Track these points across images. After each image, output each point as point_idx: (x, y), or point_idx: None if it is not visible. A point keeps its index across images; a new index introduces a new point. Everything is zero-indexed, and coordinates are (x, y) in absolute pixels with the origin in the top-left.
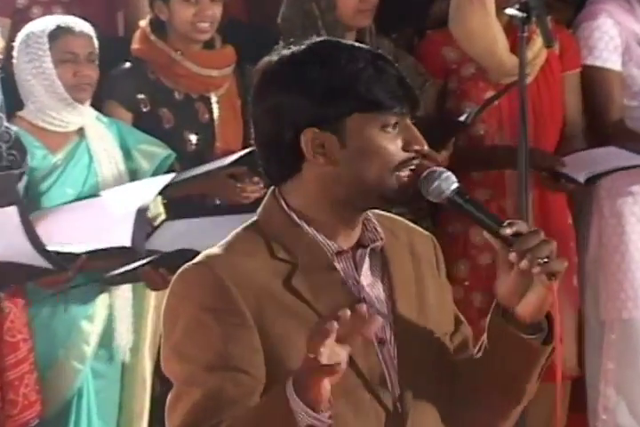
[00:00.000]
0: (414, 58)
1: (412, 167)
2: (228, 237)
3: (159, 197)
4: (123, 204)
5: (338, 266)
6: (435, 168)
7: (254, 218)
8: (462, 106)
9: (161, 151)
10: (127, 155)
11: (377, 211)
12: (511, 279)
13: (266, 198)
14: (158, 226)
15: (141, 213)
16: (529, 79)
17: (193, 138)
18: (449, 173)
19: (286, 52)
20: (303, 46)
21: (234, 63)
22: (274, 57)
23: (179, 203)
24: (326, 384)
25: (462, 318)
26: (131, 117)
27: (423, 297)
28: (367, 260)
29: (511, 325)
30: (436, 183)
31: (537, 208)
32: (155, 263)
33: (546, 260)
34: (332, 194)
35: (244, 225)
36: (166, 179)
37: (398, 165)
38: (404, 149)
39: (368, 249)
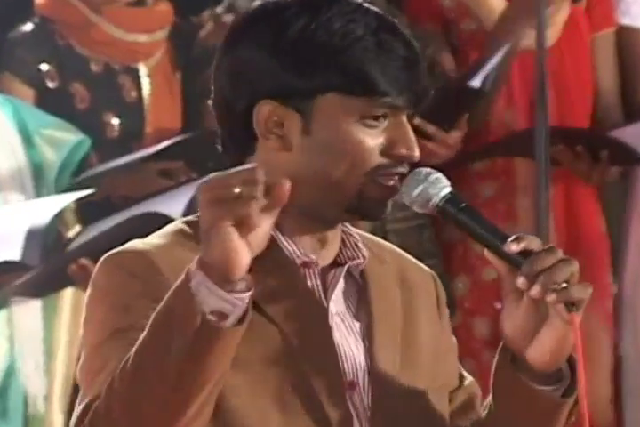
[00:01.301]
0: (408, 13)
1: (394, 176)
2: (163, 229)
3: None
4: (14, 222)
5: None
6: (420, 169)
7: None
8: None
9: (71, 137)
10: (28, 142)
11: (361, 232)
12: (521, 313)
13: None
14: (79, 234)
15: (36, 226)
16: (549, 42)
17: (115, 121)
18: (438, 175)
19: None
20: None
21: (169, 24)
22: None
23: (96, 208)
24: (236, 237)
25: (467, 374)
26: (32, 95)
27: (412, 337)
28: (342, 282)
29: (523, 373)
30: (420, 188)
31: (561, 211)
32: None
33: (565, 285)
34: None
35: (181, 220)
36: (70, 198)
37: (373, 170)
38: (386, 152)
39: (345, 268)
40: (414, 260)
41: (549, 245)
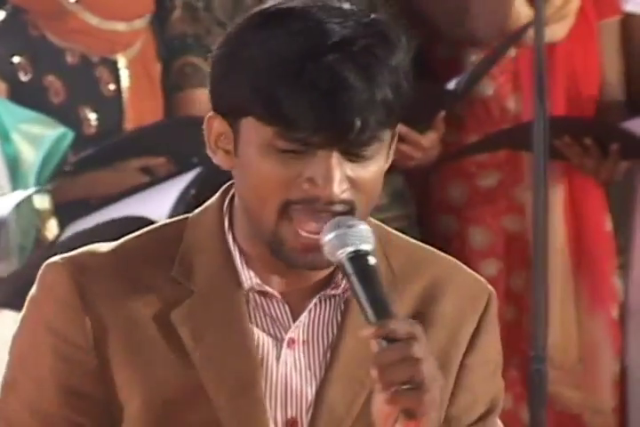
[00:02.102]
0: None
1: (308, 217)
2: (139, 232)
3: (46, 202)
4: None
5: (251, 310)
6: (348, 217)
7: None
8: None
9: (51, 131)
10: (4, 137)
11: (414, 248)
12: (381, 399)
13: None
14: (60, 235)
15: None
16: (563, 31)
17: (92, 116)
18: (361, 228)
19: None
20: (286, 5)
21: (150, 12)
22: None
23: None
24: None
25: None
26: (5, 89)
27: None
28: (314, 310)
29: None
30: (333, 235)
31: (568, 208)
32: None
33: (405, 387)
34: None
35: (168, 220)
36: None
37: (284, 206)
38: (299, 188)
39: (315, 298)
40: (468, 277)
41: (407, 336)
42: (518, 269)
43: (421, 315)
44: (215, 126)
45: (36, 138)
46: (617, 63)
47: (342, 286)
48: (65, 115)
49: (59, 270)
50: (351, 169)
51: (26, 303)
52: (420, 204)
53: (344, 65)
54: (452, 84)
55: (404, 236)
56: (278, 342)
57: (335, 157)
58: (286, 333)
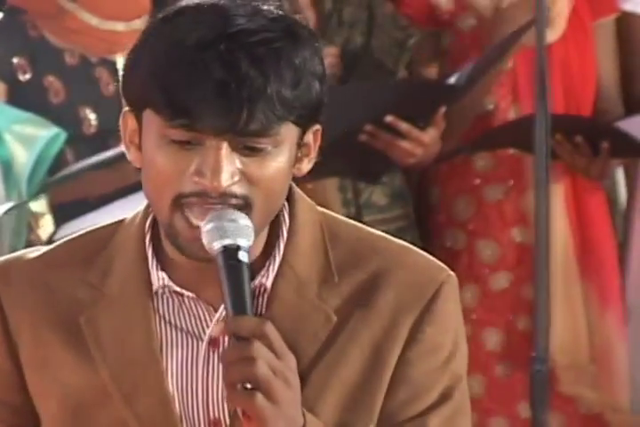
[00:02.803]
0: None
1: (198, 208)
2: (76, 234)
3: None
4: None
5: (167, 311)
6: (233, 211)
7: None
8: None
9: (43, 132)
10: None
11: (359, 228)
12: None
13: None
14: (54, 234)
15: None
16: (555, 34)
17: (92, 116)
18: (241, 223)
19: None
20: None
21: (148, 12)
22: None
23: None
24: None
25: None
26: (4, 89)
27: (324, 374)
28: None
29: None
30: (209, 226)
31: (572, 207)
32: None
33: (248, 386)
34: None
35: (107, 223)
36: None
37: (177, 198)
38: (190, 179)
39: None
40: (409, 283)
41: (250, 335)
42: (529, 279)
43: (357, 308)
44: (129, 123)
45: (29, 139)
46: (614, 63)
47: (256, 281)
48: (65, 115)
49: None
50: (245, 163)
51: None
52: (426, 223)
53: (238, 55)
54: (452, 79)
55: (359, 225)
56: (202, 341)
57: (225, 149)
58: (197, 332)
